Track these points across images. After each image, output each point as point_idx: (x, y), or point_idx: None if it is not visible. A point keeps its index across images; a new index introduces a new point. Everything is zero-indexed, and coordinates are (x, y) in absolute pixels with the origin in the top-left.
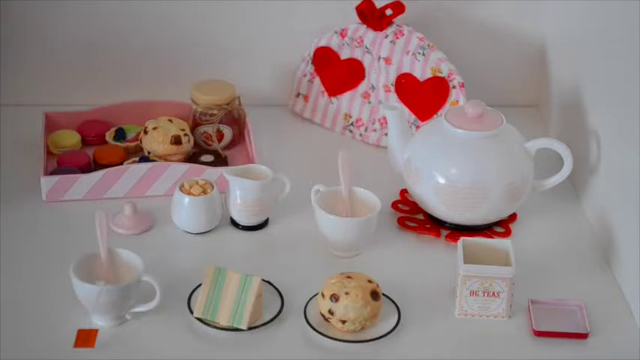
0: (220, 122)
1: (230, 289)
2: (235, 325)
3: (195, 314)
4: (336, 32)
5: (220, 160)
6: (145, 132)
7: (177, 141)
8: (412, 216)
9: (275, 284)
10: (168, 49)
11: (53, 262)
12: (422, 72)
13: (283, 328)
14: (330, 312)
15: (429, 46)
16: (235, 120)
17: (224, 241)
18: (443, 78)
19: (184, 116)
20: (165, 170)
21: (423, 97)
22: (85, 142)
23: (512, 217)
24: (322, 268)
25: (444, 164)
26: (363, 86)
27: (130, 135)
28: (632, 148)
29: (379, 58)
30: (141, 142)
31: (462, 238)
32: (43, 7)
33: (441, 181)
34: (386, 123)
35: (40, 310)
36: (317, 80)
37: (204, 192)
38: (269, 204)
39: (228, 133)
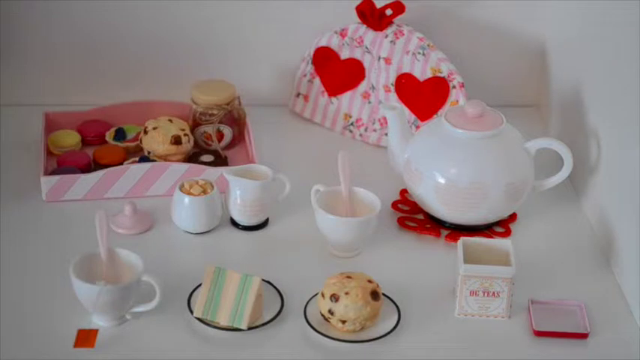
0: (220, 122)
1: (230, 289)
2: (235, 325)
3: (195, 314)
4: (336, 32)
5: (220, 160)
6: (145, 132)
7: (177, 141)
8: (412, 216)
9: (275, 284)
10: (168, 49)
11: (53, 262)
12: (422, 72)
13: (283, 328)
14: (330, 312)
15: (429, 46)
16: (235, 120)
17: (224, 241)
18: (443, 78)
19: (184, 116)
20: (165, 170)
21: (423, 97)
22: (85, 142)
23: (512, 217)
24: (322, 268)
25: (444, 164)
26: (363, 86)
27: (130, 135)
28: (632, 148)
29: (379, 58)
30: (141, 142)
31: (462, 238)
32: (42, 7)
33: (441, 181)
34: (386, 123)
35: (40, 310)
36: (317, 80)
37: (204, 192)
38: (269, 204)
39: (228, 133)
